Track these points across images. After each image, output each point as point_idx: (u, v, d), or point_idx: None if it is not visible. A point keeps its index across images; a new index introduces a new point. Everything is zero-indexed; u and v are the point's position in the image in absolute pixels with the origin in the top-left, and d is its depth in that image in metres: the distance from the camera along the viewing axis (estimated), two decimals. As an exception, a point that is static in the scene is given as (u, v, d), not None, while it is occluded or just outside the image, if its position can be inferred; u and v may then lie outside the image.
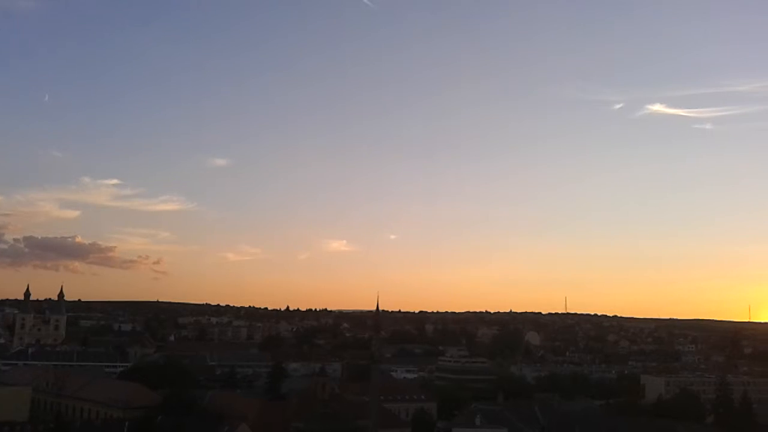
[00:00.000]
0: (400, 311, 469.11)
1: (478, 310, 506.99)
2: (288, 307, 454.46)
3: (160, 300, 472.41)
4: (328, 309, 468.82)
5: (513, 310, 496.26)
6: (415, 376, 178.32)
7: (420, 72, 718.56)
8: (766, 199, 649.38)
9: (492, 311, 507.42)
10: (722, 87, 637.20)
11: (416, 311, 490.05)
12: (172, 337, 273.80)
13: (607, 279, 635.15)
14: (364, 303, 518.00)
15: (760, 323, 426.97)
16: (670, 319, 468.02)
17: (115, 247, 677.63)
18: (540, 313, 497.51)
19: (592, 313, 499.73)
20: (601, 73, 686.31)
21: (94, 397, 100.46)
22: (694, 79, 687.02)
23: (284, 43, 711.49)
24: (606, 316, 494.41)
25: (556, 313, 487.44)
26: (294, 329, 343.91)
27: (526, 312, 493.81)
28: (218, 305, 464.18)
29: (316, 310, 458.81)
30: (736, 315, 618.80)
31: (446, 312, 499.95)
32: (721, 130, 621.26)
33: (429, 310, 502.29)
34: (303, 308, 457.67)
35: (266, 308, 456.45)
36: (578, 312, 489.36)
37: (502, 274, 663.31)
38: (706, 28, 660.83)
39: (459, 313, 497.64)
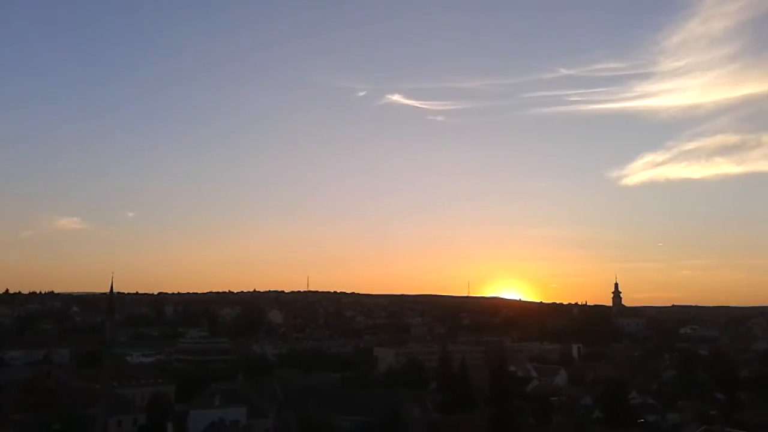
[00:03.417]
0: (137, 293, 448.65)
1: (221, 290, 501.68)
2: (7, 290, 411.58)
3: None
4: (56, 291, 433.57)
5: (257, 290, 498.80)
6: (153, 359, 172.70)
7: (179, 54, 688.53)
8: (485, 187, 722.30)
9: (236, 291, 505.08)
10: (452, 83, 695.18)
11: (155, 293, 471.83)
12: None
13: (347, 258, 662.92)
14: (97, 285, 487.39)
15: (476, 297, 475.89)
16: (401, 294, 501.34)
17: None
18: (283, 291, 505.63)
19: (333, 291, 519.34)
20: (349, 61, 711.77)
21: None
22: (428, 74, 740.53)
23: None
24: (345, 293, 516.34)
25: (299, 292, 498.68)
26: (15, 314, 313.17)
27: (269, 291, 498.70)
28: None
29: (41, 293, 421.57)
30: (457, 290, 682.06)
31: (188, 293, 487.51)
32: (450, 123, 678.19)
33: (169, 291, 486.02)
34: (25, 291, 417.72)
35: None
36: (320, 290, 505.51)
37: (246, 253, 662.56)
38: (443, 28, 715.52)
39: (202, 293, 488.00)
